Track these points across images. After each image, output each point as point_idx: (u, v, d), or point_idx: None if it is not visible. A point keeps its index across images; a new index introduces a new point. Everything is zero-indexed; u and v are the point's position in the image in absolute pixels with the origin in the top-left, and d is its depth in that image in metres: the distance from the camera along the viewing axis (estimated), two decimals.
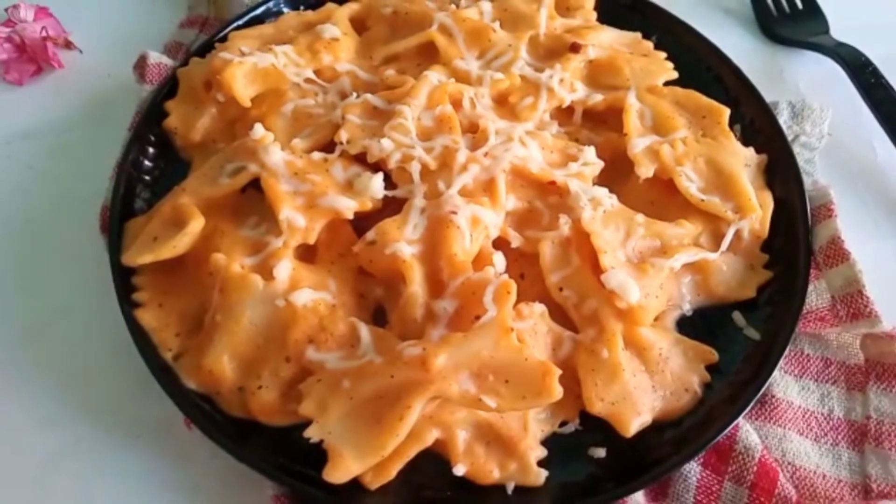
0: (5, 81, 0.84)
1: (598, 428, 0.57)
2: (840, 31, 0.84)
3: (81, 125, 0.80)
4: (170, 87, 0.73)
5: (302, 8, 0.81)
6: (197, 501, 0.58)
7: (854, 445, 0.60)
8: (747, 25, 0.87)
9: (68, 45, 0.86)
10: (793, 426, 0.60)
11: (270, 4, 0.80)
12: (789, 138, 0.72)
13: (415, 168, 0.61)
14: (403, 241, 0.58)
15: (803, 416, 0.61)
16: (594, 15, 0.79)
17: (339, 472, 0.50)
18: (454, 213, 0.59)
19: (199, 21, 0.88)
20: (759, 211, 0.64)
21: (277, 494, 0.55)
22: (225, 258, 0.58)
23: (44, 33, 0.84)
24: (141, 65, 0.76)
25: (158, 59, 0.76)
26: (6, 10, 0.86)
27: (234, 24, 0.78)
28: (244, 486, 0.57)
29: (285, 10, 0.81)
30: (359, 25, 0.78)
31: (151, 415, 0.60)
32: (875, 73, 0.77)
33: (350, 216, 0.60)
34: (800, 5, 0.86)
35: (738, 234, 0.64)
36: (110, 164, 0.73)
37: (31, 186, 0.76)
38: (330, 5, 0.79)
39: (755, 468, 0.56)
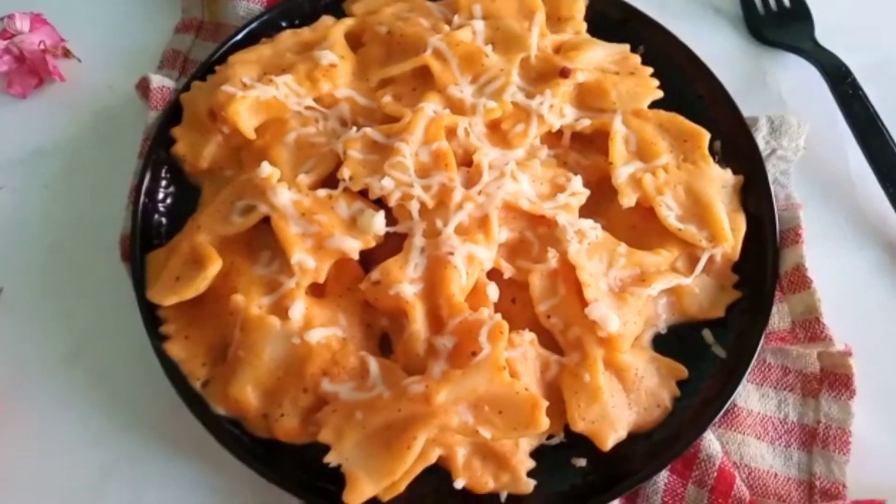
0: (9, 95, 0.85)
1: (580, 440, 0.65)
2: (826, 33, 0.85)
3: (91, 142, 0.82)
4: (175, 108, 0.76)
5: (297, 22, 0.82)
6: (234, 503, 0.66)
7: (804, 446, 0.68)
8: (736, 25, 0.89)
9: (67, 53, 0.87)
10: (751, 431, 0.68)
11: (265, 17, 0.82)
12: (766, 153, 0.76)
13: (414, 206, 0.66)
14: (406, 282, 0.63)
15: (761, 422, 0.69)
16: (584, 26, 0.81)
17: (356, 494, 0.59)
18: (451, 253, 0.64)
19: (194, 25, 0.88)
20: (731, 241, 0.69)
21: None
22: (244, 300, 0.64)
23: (42, 46, 0.85)
24: (143, 86, 0.78)
25: (161, 83, 0.78)
26: (1, 19, 0.86)
27: (232, 41, 0.79)
28: (273, 490, 0.64)
29: (281, 22, 0.82)
30: (354, 41, 0.79)
31: (189, 429, 0.66)
32: (853, 84, 0.80)
33: (356, 256, 0.66)
34: (787, 4, 0.87)
35: (711, 257, 0.70)
36: (123, 182, 0.77)
37: (51, 208, 0.79)
38: (325, 20, 0.81)
39: (715, 473, 0.65)
